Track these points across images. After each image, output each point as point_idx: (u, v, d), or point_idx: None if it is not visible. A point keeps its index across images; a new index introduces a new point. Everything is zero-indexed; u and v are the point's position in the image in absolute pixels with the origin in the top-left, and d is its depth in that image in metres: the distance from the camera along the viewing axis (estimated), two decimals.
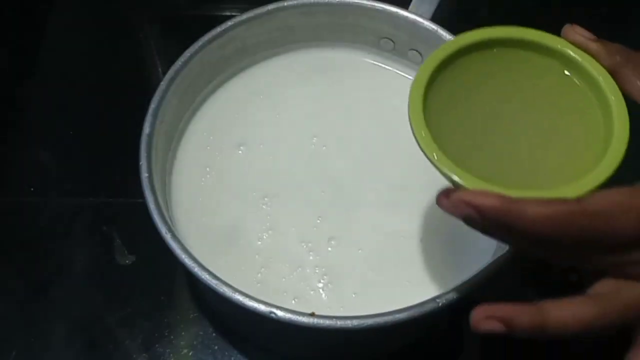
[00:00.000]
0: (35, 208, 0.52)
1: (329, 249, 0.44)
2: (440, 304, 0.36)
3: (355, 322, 0.36)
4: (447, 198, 0.30)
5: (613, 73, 0.34)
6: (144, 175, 0.41)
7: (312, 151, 0.48)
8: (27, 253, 0.51)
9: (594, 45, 0.35)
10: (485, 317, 0.30)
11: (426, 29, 0.47)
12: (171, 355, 0.47)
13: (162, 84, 0.45)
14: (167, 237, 0.39)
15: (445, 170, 0.32)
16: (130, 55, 0.61)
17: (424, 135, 0.33)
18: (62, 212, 0.52)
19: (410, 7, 0.48)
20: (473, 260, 0.43)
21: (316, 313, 0.37)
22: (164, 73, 0.45)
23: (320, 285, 0.43)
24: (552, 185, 0.32)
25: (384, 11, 0.48)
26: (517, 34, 0.36)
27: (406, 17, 0.47)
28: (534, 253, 0.31)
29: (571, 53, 0.35)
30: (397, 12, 0.48)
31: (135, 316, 0.48)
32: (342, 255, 0.44)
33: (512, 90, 0.36)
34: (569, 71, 0.36)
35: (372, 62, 0.52)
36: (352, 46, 0.52)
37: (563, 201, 0.29)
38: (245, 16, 0.48)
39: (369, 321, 0.36)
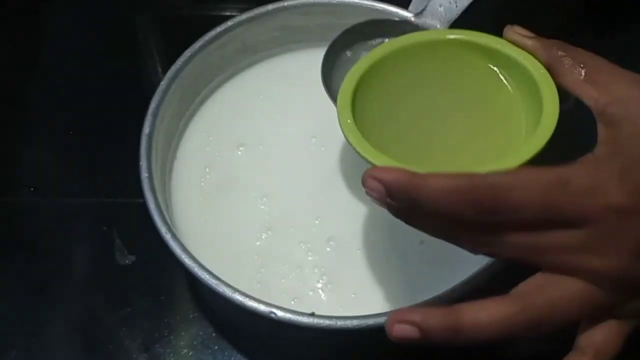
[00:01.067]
0: (35, 208, 0.52)
1: (328, 249, 0.44)
2: (440, 304, 0.36)
3: (355, 322, 0.36)
4: (366, 176, 0.30)
5: (549, 67, 0.34)
6: (144, 175, 0.41)
7: (311, 151, 0.48)
8: (27, 253, 0.51)
9: (529, 42, 0.36)
10: (398, 322, 0.29)
11: (426, 29, 0.47)
12: (171, 355, 0.47)
13: (162, 84, 0.45)
14: (167, 237, 0.39)
15: (360, 151, 0.33)
16: (130, 55, 0.61)
17: (348, 122, 0.35)
18: (62, 212, 0.52)
19: (410, 7, 0.48)
20: (473, 260, 0.43)
21: (316, 313, 0.37)
22: (164, 73, 0.45)
23: (320, 285, 0.43)
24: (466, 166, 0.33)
25: (384, 11, 0.48)
26: (454, 35, 0.38)
27: (406, 18, 0.47)
28: (442, 236, 0.30)
29: (506, 50, 0.36)
30: (397, 12, 0.48)
31: (135, 316, 0.48)
32: (340, 255, 0.44)
33: (438, 86, 0.37)
34: (498, 67, 0.37)
35: None
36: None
37: (469, 175, 0.28)
38: (245, 16, 0.48)
39: (369, 321, 0.36)
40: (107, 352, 0.47)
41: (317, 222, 0.45)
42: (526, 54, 0.36)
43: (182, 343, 0.47)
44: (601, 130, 0.32)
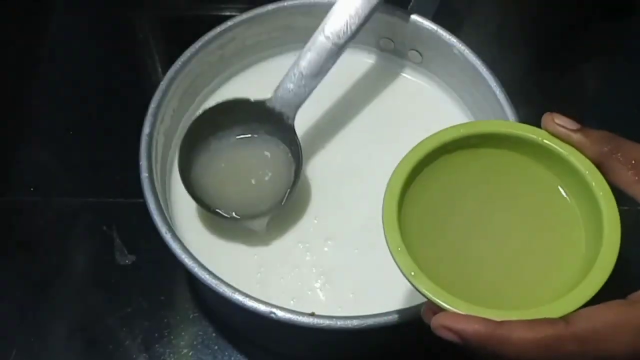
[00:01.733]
0: (35, 208, 0.52)
1: (326, 248, 0.44)
2: None
3: (355, 322, 0.36)
4: (431, 315, 0.29)
5: (599, 164, 0.32)
6: (144, 175, 0.41)
7: (311, 151, 0.48)
8: (27, 253, 0.51)
9: (575, 136, 0.32)
10: (442, 327, 0.29)
11: (426, 29, 0.47)
12: (171, 355, 0.47)
13: (162, 84, 0.45)
14: (167, 237, 0.39)
15: (424, 291, 0.30)
16: (130, 55, 0.61)
17: (399, 249, 0.31)
18: (62, 212, 0.52)
19: (410, 7, 0.48)
20: None
21: (316, 313, 0.37)
22: (164, 73, 0.45)
23: (318, 285, 0.43)
24: (535, 302, 0.30)
25: (384, 11, 0.48)
26: (494, 129, 0.34)
27: (406, 18, 0.47)
28: None
29: (551, 145, 0.33)
30: (397, 12, 0.48)
31: (135, 316, 0.48)
32: (339, 255, 0.44)
33: (491, 197, 0.34)
34: (547, 166, 0.34)
35: (372, 62, 0.52)
36: (352, 46, 0.52)
37: (549, 322, 0.27)
38: (245, 16, 0.48)
39: (369, 321, 0.36)
40: (107, 352, 0.47)
41: (315, 221, 0.45)
42: (571, 149, 0.32)
43: (182, 343, 0.47)
44: None
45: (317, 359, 0.48)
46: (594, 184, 0.32)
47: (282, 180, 0.44)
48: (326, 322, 0.36)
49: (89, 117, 0.57)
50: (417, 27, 0.47)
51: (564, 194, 0.34)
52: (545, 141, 0.33)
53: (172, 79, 0.45)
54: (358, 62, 0.52)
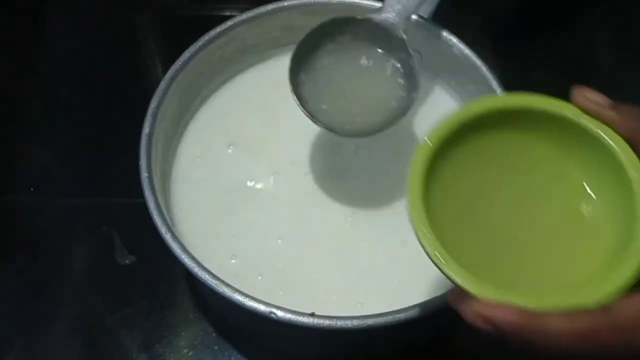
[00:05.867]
0: (35, 208, 0.52)
1: (327, 250, 0.44)
2: (440, 304, 0.36)
3: (355, 322, 0.36)
4: (461, 302, 0.28)
5: (631, 142, 0.31)
6: (144, 175, 0.41)
7: (310, 153, 0.48)
8: (27, 253, 0.51)
9: (608, 114, 0.31)
10: (480, 317, 0.28)
11: (426, 29, 0.47)
12: (171, 355, 0.47)
13: (162, 84, 0.45)
14: (167, 237, 0.39)
15: (455, 278, 0.29)
16: (130, 55, 0.61)
17: (427, 235, 0.30)
18: (62, 212, 0.52)
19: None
20: None
21: (316, 313, 0.37)
22: (164, 73, 0.45)
23: (322, 286, 0.43)
24: (569, 288, 0.29)
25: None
26: (523, 103, 0.32)
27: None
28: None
29: (583, 123, 0.32)
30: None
31: (135, 316, 0.48)
32: (339, 255, 0.44)
33: (517, 187, 0.33)
34: (581, 168, 0.33)
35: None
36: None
37: (589, 314, 0.27)
38: (245, 16, 0.48)
39: (369, 321, 0.36)
40: (107, 352, 0.47)
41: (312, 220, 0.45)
42: (603, 126, 0.31)
43: (182, 343, 0.47)
44: None
45: (317, 359, 0.48)
46: (627, 163, 0.30)
47: (392, 96, 0.43)
48: (326, 322, 0.36)
49: (89, 117, 0.57)
50: (417, 27, 0.47)
51: (588, 190, 0.33)
52: (576, 118, 0.32)
53: (172, 79, 0.45)
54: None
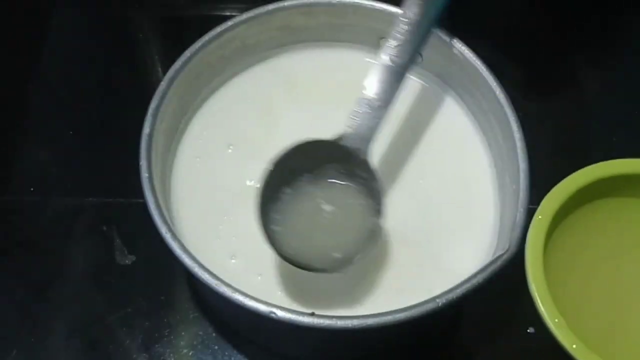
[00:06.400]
0: (35, 208, 0.52)
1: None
2: (440, 304, 0.36)
3: (355, 322, 0.36)
4: None
5: None
6: (144, 175, 0.41)
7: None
8: (27, 253, 0.51)
9: None
10: None
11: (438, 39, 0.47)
12: (171, 355, 0.47)
13: (162, 84, 0.45)
14: (167, 237, 0.39)
15: None
16: (130, 55, 0.61)
17: (557, 322, 0.29)
18: (62, 212, 0.52)
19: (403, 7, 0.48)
20: (471, 260, 0.43)
21: (316, 313, 0.37)
22: (164, 73, 0.45)
23: (320, 285, 0.43)
24: None
25: (383, 11, 0.48)
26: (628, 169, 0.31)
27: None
28: None
29: None
30: (397, 12, 0.48)
31: (135, 316, 0.48)
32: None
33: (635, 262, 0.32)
34: None
35: (372, 62, 0.52)
36: (352, 46, 0.52)
37: None
38: (245, 16, 0.48)
39: (369, 321, 0.36)
40: (107, 352, 0.47)
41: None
42: None
43: (182, 343, 0.47)
44: None
45: (318, 359, 0.49)
46: None
47: (360, 225, 0.41)
48: (326, 322, 0.36)
49: (89, 117, 0.57)
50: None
51: None
52: None
53: (172, 79, 0.45)
54: (358, 63, 0.52)
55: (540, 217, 0.31)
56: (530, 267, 0.30)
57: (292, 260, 0.40)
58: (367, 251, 0.40)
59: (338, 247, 0.40)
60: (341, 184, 0.42)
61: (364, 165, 0.41)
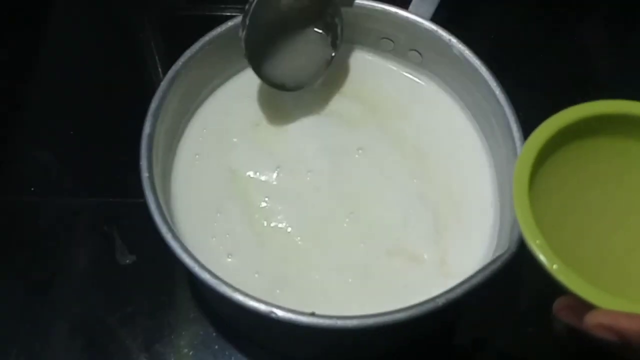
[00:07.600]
0: (35, 208, 0.52)
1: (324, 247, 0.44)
2: (440, 304, 0.36)
3: (355, 322, 0.36)
4: (573, 315, 0.28)
5: None
6: (144, 175, 0.41)
7: (312, 151, 0.48)
8: (27, 253, 0.51)
9: None
10: (599, 326, 0.27)
11: (426, 30, 0.47)
12: (171, 355, 0.47)
13: (162, 84, 0.45)
14: (167, 237, 0.39)
15: (573, 289, 0.28)
16: (130, 55, 0.61)
17: (539, 244, 0.29)
18: (62, 212, 0.52)
19: (410, 7, 0.48)
20: (470, 260, 0.43)
21: (316, 313, 0.37)
22: (164, 73, 0.45)
23: (319, 285, 0.43)
24: None
25: (384, 11, 0.48)
26: (620, 109, 0.32)
27: (406, 18, 0.47)
28: None
29: None
30: (397, 13, 0.48)
31: (136, 316, 0.48)
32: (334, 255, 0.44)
33: (622, 195, 0.33)
34: None
35: (372, 61, 0.52)
36: (352, 46, 0.52)
37: None
38: None
39: (369, 321, 0.36)
40: (107, 352, 0.47)
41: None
42: None
43: (182, 342, 0.47)
44: None
45: (318, 359, 0.49)
46: None
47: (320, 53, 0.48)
48: (326, 322, 0.36)
49: (89, 117, 0.57)
50: (417, 27, 0.47)
51: None
52: None
53: (173, 79, 0.45)
54: (358, 62, 0.52)
55: (528, 144, 0.32)
56: (516, 193, 0.31)
57: (271, 82, 0.47)
58: (323, 73, 0.49)
59: (303, 70, 0.48)
60: (315, 30, 0.49)
61: (335, 7, 0.47)
